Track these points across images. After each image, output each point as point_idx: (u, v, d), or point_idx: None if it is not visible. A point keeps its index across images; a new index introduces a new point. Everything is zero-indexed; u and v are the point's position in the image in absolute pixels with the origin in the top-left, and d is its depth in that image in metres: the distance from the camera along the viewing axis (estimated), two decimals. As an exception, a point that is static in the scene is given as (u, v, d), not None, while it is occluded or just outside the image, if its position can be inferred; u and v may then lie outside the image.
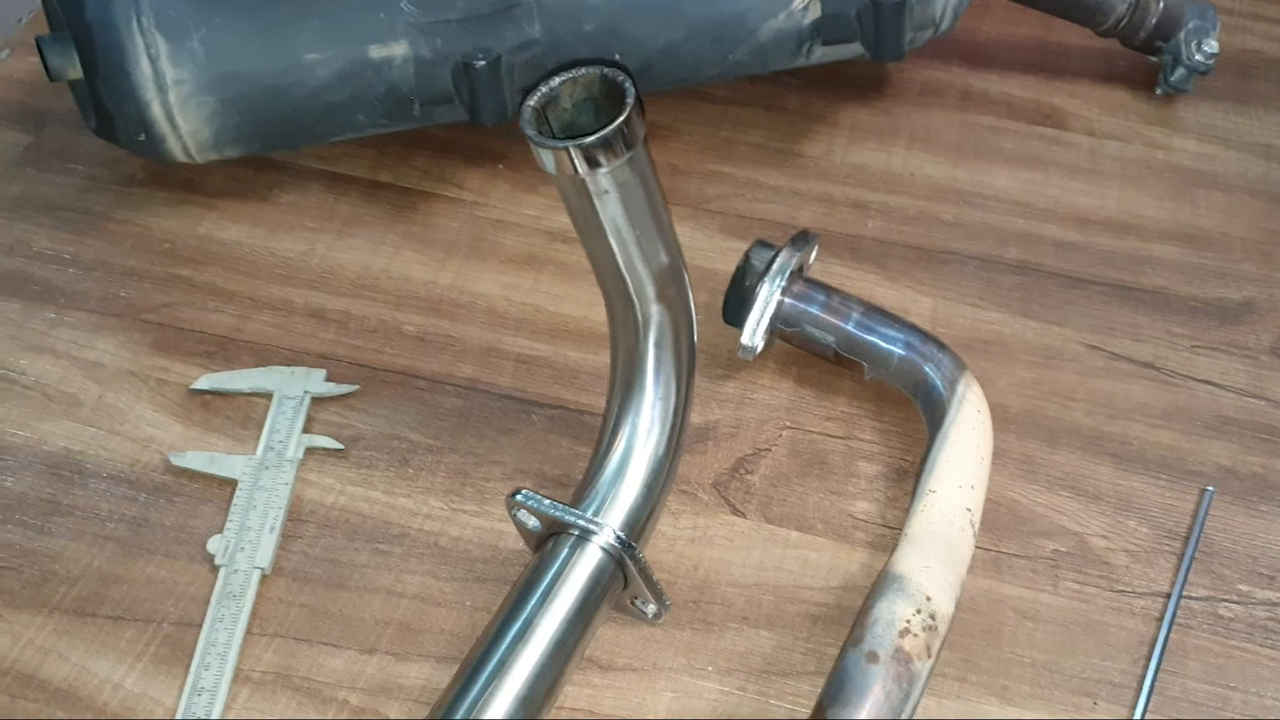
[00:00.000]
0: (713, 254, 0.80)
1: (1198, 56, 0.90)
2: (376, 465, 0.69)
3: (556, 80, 0.53)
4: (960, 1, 0.83)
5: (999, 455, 0.69)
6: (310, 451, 0.69)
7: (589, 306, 0.77)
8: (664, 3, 0.78)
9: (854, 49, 0.83)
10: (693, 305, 0.61)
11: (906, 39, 0.80)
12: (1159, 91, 0.93)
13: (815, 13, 0.80)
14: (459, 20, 0.74)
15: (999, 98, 0.93)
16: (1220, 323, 0.78)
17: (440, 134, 0.87)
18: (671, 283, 0.58)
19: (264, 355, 0.73)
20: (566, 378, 0.74)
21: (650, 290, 0.58)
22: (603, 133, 0.49)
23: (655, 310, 0.59)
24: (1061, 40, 0.97)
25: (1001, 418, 0.72)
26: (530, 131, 0.51)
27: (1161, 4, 0.89)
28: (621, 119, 0.49)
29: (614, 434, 0.61)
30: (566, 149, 0.50)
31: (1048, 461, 0.70)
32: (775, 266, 0.72)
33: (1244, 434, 0.72)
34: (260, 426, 0.70)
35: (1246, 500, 0.69)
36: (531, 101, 0.53)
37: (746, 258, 0.73)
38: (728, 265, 0.73)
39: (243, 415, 0.71)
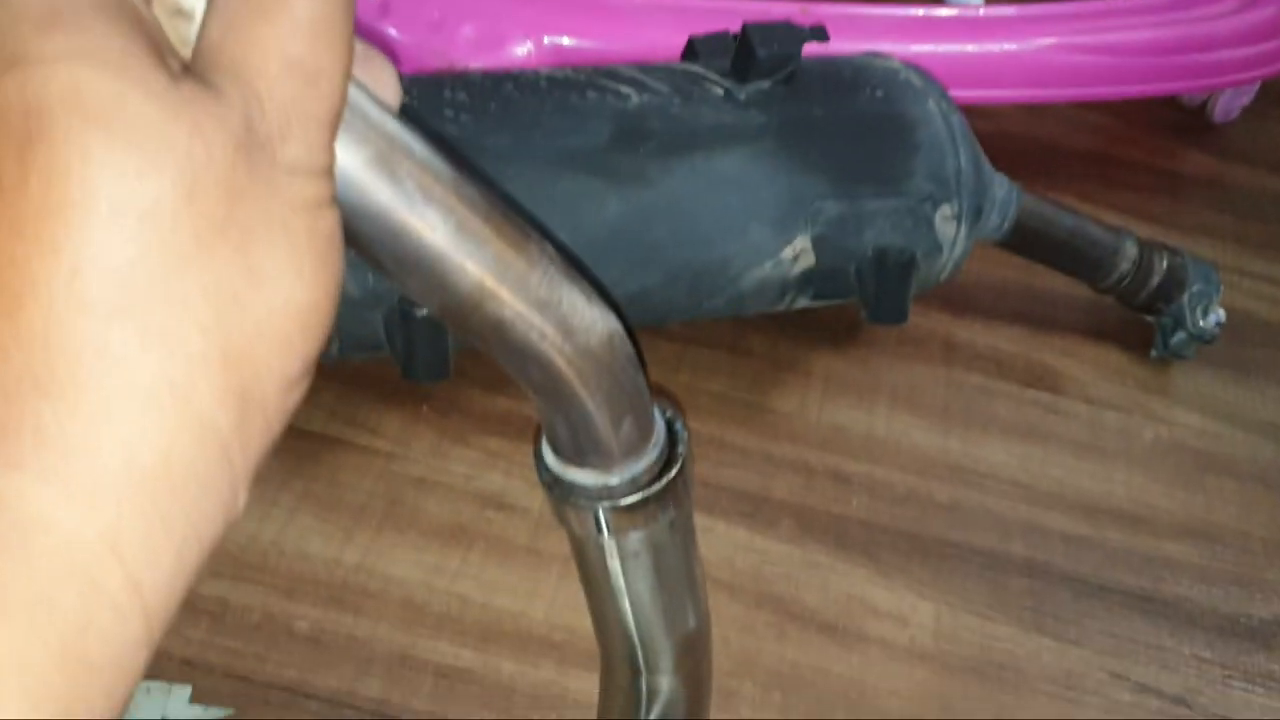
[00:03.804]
0: (676, 535, 0.68)
1: (1203, 324, 0.82)
2: (250, 827, 0.53)
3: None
4: (962, 255, 0.74)
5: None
6: (163, 806, 0.53)
7: (528, 598, 0.64)
8: (642, 245, 0.66)
9: (838, 300, 0.73)
10: (712, 674, 0.48)
11: (910, 300, 0.70)
12: (1155, 354, 0.85)
13: (807, 263, 0.69)
14: (396, 254, 0.61)
15: (986, 352, 0.84)
16: (1252, 646, 0.68)
17: (354, 363, 0.73)
18: (692, 652, 0.45)
19: (112, 660, 0.57)
20: (499, 699, 0.59)
21: (666, 662, 0.44)
22: (648, 491, 0.36)
23: (666, 684, 0.45)
24: (1047, 287, 0.88)
25: (1024, 772, 0.60)
26: (546, 478, 0.38)
27: (1165, 264, 0.82)
28: (674, 473, 0.37)
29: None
30: (594, 510, 0.37)
31: (1083, 835, 0.58)
32: None
33: (1300, 800, 0.61)
34: (98, 767, 0.53)
35: None
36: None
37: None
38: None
39: (76, 749, 0.54)
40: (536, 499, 0.68)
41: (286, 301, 0.22)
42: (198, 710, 0.56)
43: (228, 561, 0.62)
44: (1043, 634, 0.66)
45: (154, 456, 0.21)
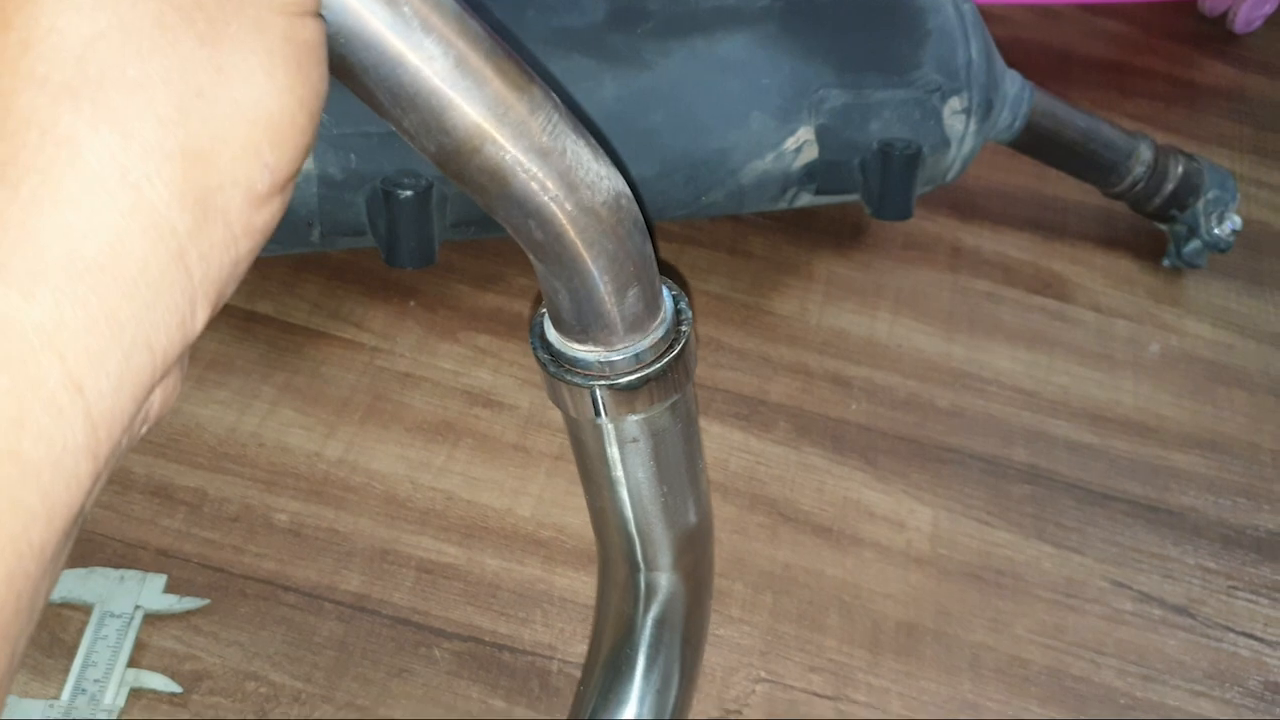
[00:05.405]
0: (669, 435, 0.66)
1: (1217, 231, 0.79)
2: (224, 717, 0.51)
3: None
4: (970, 153, 0.71)
5: (1021, 731, 0.56)
6: (136, 694, 0.51)
7: (515, 496, 0.62)
8: (639, 133, 0.64)
9: (841, 196, 0.70)
10: (714, 572, 0.46)
11: (915, 197, 0.67)
12: (1167, 263, 0.82)
13: (809, 156, 0.67)
14: (382, 135, 0.59)
15: (993, 258, 0.81)
16: (1258, 558, 0.66)
17: (339, 256, 0.71)
18: (693, 548, 0.43)
19: (84, 549, 0.56)
20: (482, 596, 0.58)
21: (665, 558, 0.42)
22: (648, 370, 0.34)
23: (666, 580, 0.43)
24: (1057, 194, 0.86)
25: (1021, 675, 0.58)
26: (543, 355, 0.36)
27: (1181, 169, 0.79)
28: (675, 353, 0.35)
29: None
30: (592, 389, 0.35)
31: (1079, 741, 0.57)
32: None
33: (1301, 710, 0.60)
34: (71, 655, 0.52)
35: (1312, 801, 0.56)
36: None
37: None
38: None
39: (48, 637, 0.53)
40: (525, 397, 0.66)
41: (256, 105, 0.21)
42: (173, 600, 0.54)
43: (205, 452, 0.61)
44: (1043, 541, 0.65)
45: (101, 248, 0.19)
